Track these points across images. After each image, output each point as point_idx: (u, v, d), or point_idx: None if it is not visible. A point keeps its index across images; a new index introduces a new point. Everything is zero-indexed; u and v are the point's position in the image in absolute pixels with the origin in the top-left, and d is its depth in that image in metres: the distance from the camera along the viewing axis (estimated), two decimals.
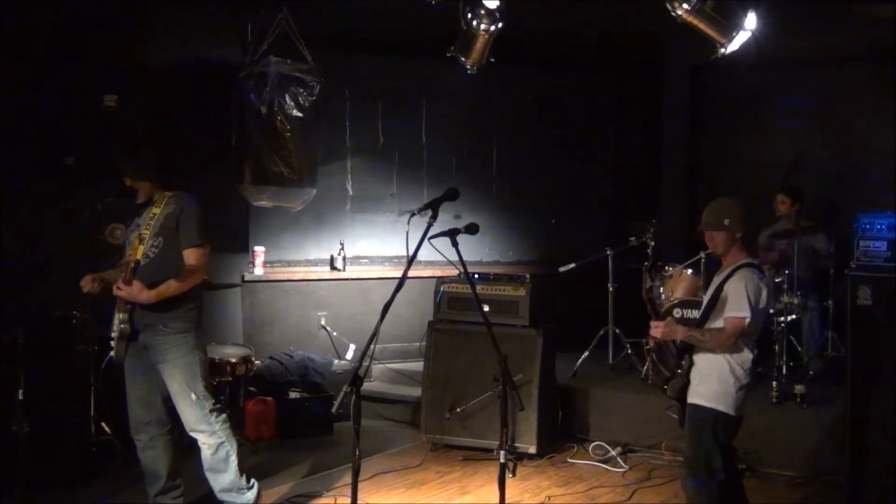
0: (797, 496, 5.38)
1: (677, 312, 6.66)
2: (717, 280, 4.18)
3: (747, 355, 4.05)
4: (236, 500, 4.68)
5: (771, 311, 6.08)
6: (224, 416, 4.66)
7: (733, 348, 4.02)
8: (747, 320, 3.95)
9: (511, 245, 8.72)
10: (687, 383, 4.14)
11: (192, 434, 4.58)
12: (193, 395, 4.50)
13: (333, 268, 7.78)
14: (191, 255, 4.49)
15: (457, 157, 8.40)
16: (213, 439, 4.57)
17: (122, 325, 4.45)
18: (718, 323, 4.07)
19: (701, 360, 4.10)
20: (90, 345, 5.52)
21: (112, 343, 4.50)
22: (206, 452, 4.61)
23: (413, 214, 4.01)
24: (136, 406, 4.59)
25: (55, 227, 5.88)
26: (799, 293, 6.70)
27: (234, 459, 4.64)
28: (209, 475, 4.67)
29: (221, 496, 4.69)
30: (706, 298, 4.19)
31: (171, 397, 4.54)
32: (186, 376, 4.49)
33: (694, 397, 4.10)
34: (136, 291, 4.33)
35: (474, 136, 8.49)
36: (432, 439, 6.18)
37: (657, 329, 4.10)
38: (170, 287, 4.40)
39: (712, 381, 4.05)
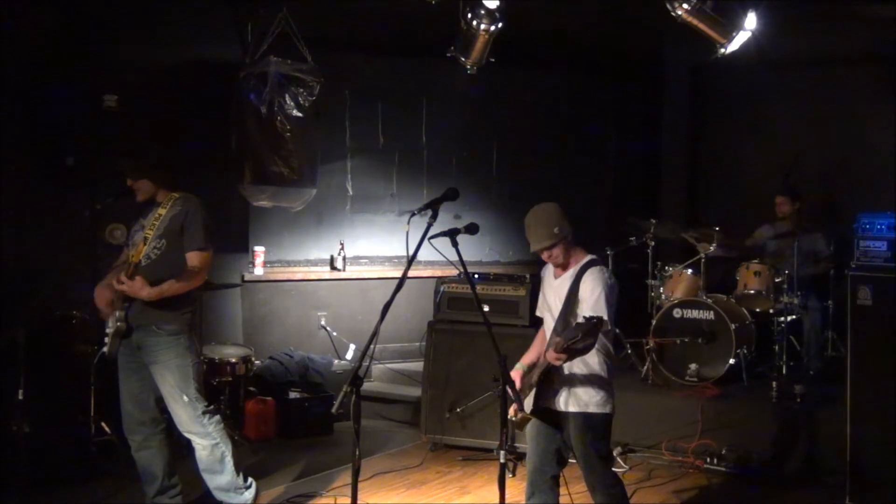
0: (796, 496, 5.38)
1: (677, 312, 6.70)
2: (560, 284, 4.02)
3: (611, 351, 4.00)
4: (234, 499, 4.68)
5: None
6: (217, 417, 4.66)
7: (602, 348, 3.92)
8: (605, 320, 3.79)
9: (511, 245, 8.69)
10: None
11: (186, 435, 4.59)
12: (185, 397, 4.50)
13: (333, 268, 7.78)
14: (194, 258, 4.49)
15: (457, 157, 8.39)
16: (206, 440, 4.58)
17: (118, 323, 4.45)
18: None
19: (576, 366, 3.90)
20: (90, 345, 5.52)
21: (106, 340, 4.50)
22: (200, 453, 4.61)
23: (413, 214, 4.00)
24: (130, 405, 4.60)
25: (55, 227, 5.88)
26: (799, 293, 6.71)
27: (229, 460, 4.64)
28: (206, 476, 4.67)
29: (219, 496, 4.69)
30: (558, 303, 4.01)
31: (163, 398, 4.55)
32: (178, 378, 4.49)
33: (579, 406, 3.91)
34: (139, 287, 4.32)
35: (474, 136, 8.48)
36: (432, 439, 6.18)
37: (557, 360, 3.70)
38: (171, 287, 4.39)
39: (594, 386, 3.91)
